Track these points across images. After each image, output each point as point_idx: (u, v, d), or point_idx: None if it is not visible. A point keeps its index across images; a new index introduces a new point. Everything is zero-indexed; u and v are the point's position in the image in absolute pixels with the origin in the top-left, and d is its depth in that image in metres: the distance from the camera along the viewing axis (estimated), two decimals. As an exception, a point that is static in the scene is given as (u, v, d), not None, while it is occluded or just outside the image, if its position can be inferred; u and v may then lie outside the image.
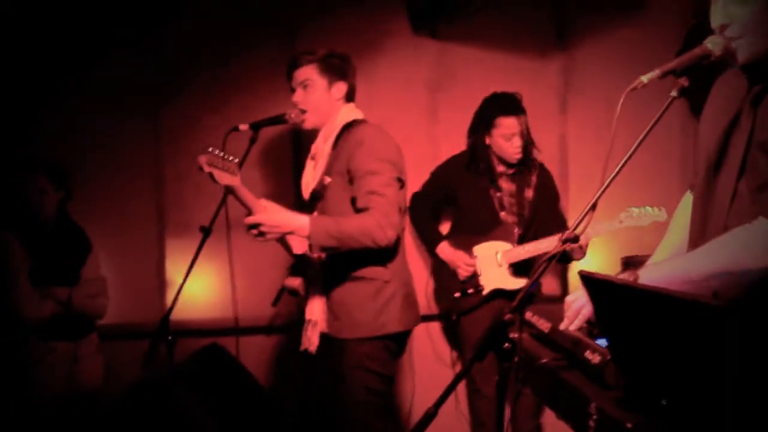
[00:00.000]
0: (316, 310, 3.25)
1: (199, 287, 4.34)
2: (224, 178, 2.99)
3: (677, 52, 4.41)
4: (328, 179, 3.19)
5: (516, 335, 1.89)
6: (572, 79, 4.75)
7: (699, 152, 2.11)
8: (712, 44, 1.89)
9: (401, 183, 3.17)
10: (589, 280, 1.66)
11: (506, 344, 1.84)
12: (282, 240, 3.24)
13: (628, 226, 3.94)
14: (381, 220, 2.99)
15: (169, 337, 3.16)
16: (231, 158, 2.99)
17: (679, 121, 4.45)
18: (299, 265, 3.38)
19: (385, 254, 3.14)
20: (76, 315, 3.91)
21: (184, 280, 3.16)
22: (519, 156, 4.13)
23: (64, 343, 3.88)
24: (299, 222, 3.01)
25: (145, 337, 4.12)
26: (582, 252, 3.97)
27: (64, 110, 4.36)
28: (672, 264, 1.95)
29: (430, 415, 1.80)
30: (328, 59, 3.28)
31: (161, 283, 4.50)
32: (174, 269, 4.46)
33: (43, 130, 4.36)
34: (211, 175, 2.98)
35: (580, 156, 4.72)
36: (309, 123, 3.29)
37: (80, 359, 3.94)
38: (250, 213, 3.01)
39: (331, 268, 3.20)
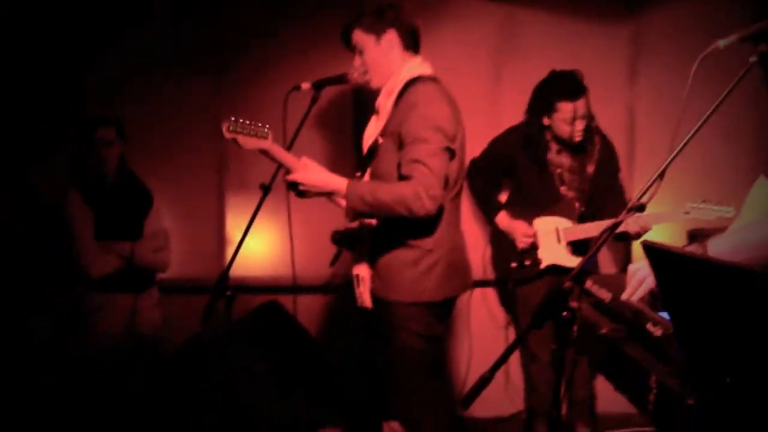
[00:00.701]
0: (362, 267, 3.26)
1: (258, 244, 4.39)
2: (250, 143, 2.98)
3: (755, 18, 4.29)
4: (381, 140, 3.15)
5: (575, 304, 1.85)
6: (643, 46, 4.61)
7: None
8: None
9: (451, 153, 3.07)
10: (652, 250, 1.61)
11: (565, 313, 1.81)
12: (329, 197, 3.21)
13: (694, 218, 3.82)
14: (420, 190, 2.92)
15: (228, 293, 3.18)
16: (259, 124, 2.98)
17: (754, 93, 4.29)
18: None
19: (428, 223, 3.09)
20: (138, 268, 3.98)
21: (243, 237, 3.17)
22: (580, 138, 4.01)
23: (124, 294, 3.96)
24: (337, 183, 3.01)
25: (204, 293, 4.21)
26: (639, 236, 3.86)
27: (124, 66, 4.42)
28: (741, 233, 1.88)
29: (486, 379, 1.79)
30: (370, 15, 3.18)
31: (221, 240, 4.56)
32: (234, 226, 4.51)
33: (104, 86, 4.43)
34: (234, 140, 2.98)
35: (649, 125, 4.58)
36: (374, 82, 3.23)
37: (139, 311, 4.01)
38: (289, 171, 3.02)
39: (378, 230, 3.18)
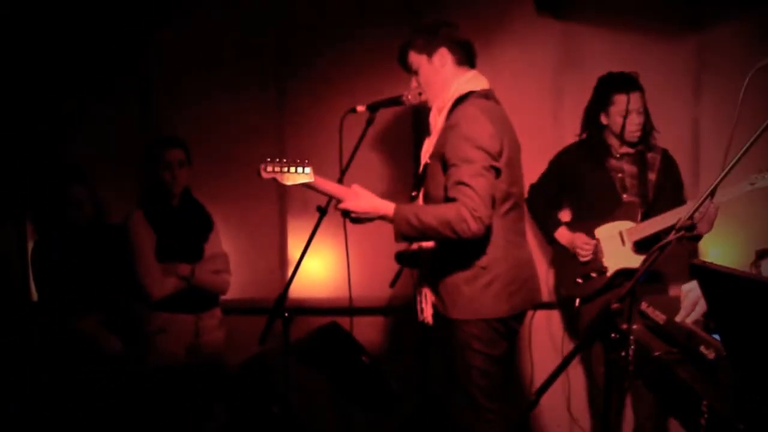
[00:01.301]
0: (423, 283, 3.31)
1: (316, 266, 4.43)
2: (289, 179, 3.08)
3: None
4: (429, 161, 3.19)
5: (625, 326, 1.82)
6: (707, 60, 4.50)
7: None
8: None
9: (496, 171, 3.07)
10: (701, 270, 1.57)
11: (613, 334, 1.78)
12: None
13: (761, 187, 3.67)
14: (464, 212, 2.93)
15: (286, 314, 3.22)
16: (297, 160, 3.10)
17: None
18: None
19: (481, 241, 3.09)
20: (198, 290, 4.05)
21: (300, 259, 3.22)
22: (638, 133, 3.99)
23: (186, 315, 4.03)
24: (386, 208, 3.07)
25: (265, 313, 4.29)
26: (709, 224, 3.70)
27: (186, 85, 4.53)
28: None
29: (532, 402, 1.76)
30: (419, 33, 3.25)
31: (282, 261, 4.61)
32: (295, 247, 4.56)
33: (166, 106, 4.55)
34: (274, 180, 3.10)
35: (713, 140, 4.46)
36: (431, 101, 3.27)
37: (202, 332, 4.07)
38: (339, 201, 3.10)
39: (438, 250, 3.23)
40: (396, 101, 3.30)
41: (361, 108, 3.26)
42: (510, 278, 3.18)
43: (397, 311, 4.49)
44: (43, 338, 4.08)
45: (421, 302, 3.34)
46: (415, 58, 3.24)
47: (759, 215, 3.77)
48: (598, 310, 3.83)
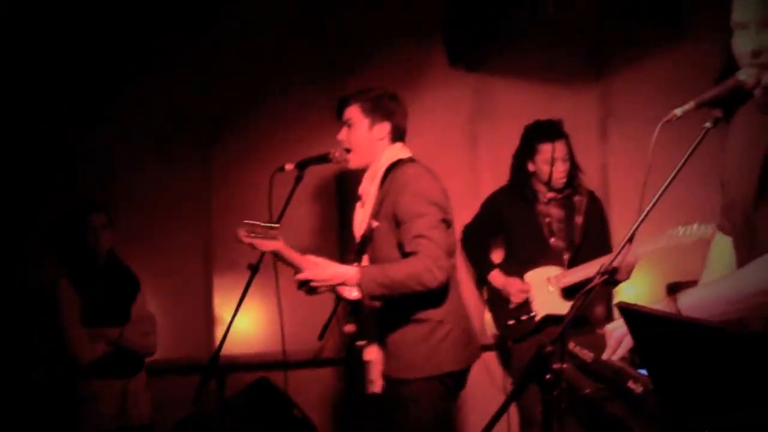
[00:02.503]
0: (373, 350, 3.29)
1: (246, 322, 4.42)
2: (265, 245, 3.11)
3: (716, 80, 4.46)
4: (375, 223, 3.23)
5: (558, 366, 1.91)
6: (611, 106, 4.77)
7: (729, 190, 2.09)
8: (745, 75, 1.91)
9: (447, 224, 3.18)
10: (627, 311, 1.68)
11: (548, 375, 1.87)
12: (333, 289, 3.25)
13: (677, 241, 3.91)
14: (429, 263, 3.00)
15: (220, 372, 3.21)
16: (269, 224, 3.11)
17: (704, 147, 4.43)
18: (354, 309, 3.41)
19: (437, 295, 3.15)
20: (126, 353, 3.99)
21: (234, 316, 3.22)
22: (564, 180, 4.18)
23: (114, 380, 3.95)
24: (348, 273, 3.09)
25: (193, 373, 4.22)
26: (627, 273, 3.91)
27: (111, 148, 4.49)
28: (708, 288, 1.95)
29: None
30: (372, 100, 3.32)
31: (208, 320, 4.59)
32: (221, 306, 4.54)
33: (88, 168, 4.48)
34: (251, 245, 3.11)
35: (622, 184, 4.72)
36: (353, 163, 3.34)
37: (130, 396, 3.99)
38: (298, 270, 3.09)
39: (384, 309, 3.21)
40: (324, 159, 3.37)
41: (289, 166, 3.32)
42: (462, 329, 3.26)
43: (330, 363, 4.51)
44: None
45: (370, 373, 3.30)
46: (357, 116, 3.32)
47: (667, 252, 3.97)
48: (530, 353, 4.05)
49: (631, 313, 1.69)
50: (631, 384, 1.89)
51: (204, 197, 4.59)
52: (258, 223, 3.08)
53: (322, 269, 3.09)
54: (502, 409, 1.90)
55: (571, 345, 2.31)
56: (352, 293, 3.24)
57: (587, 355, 2.24)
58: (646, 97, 4.62)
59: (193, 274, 4.59)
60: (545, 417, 1.87)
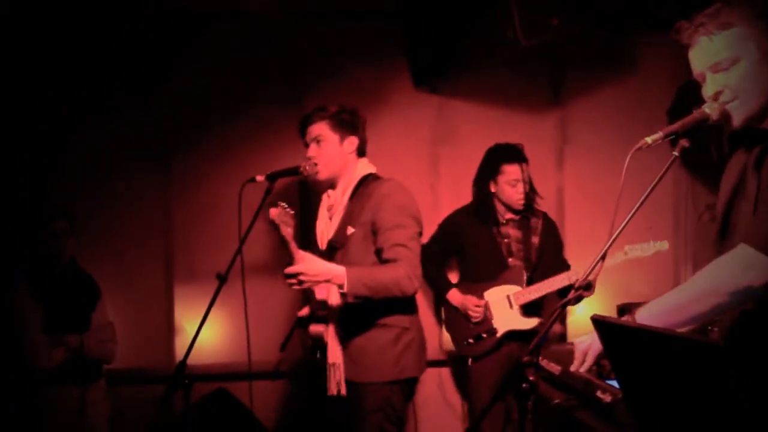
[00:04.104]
0: (336, 354, 3.36)
1: (210, 332, 4.44)
2: (286, 233, 3.13)
3: (668, 110, 4.69)
4: (351, 230, 3.33)
5: (533, 377, 2.01)
6: (568, 132, 4.95)
7: (717, 216, 2.23)
8: (710, 108, 2.06)
9: (420, 238, 3.34)
10: (600, 324, 1.79)
11: (524, 384, 1.97)
12: (309, 288, 3.33)
13: (634, 257, 4.08)
14: (409, 270, 3.15)
15: (185, 382, 3.22)
16: (290, 211, 3.12)
17: (671, 172, 4.64)
18: (318, 310, 3.48)
19: (407, 303, 3.29)
20: (86, 361, 3.97)
21: (201, 325, 3.23)
22: (523, 201, 4.31)
23: (73, 388, 3.94)
24: (336, 272, 3.15)
25: (153, 382, 4.25)
26: (591, 290, 4.05)
27: (76, 157, 4.51)
28: (663, 298, 2.07)
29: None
30: (339, 115, 3.44)
31: (169, 329, 4.60)
32: (182, 315, 4.56)
33: (51, 176, 4.50)
34: (278, 227, 3.11)
35: (577, 207, 4.90)
36: (323, 174, 3.42)
37: (89, 404, 3.98)
38: (290, 263, 3.14)
39: (350, 314, 3.30)
40: (294, 171, 3.43)
41: (260, 178, 3.36)
42: (422, 338, 3.40)
43: (293, 374, 4.57)
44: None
45: (332, 375, 3.36)
46: (325, 132, 3.41)
47: (615, 273, 4.14)
48: (490, 371, 4.18)
49: (603, 325, 1.80)
50: (599, 394, 2.01)
51: (166, 208, 4.61)
52: (287, 208, 3.11)
53: (314, 264, 3.15)
54: (480, 419, 1.99)
55: (540, 358, 2.42)
56: (322, 293, 3.36)
57: (555, 367, 2.36)
58: (600, 125, 4.84)
59: (154, 283, 4.61)
60: (521, 425, 1.97)
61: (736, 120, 2.05)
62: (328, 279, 3.16)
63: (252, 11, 4.48)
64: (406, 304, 3.30)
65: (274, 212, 3.08)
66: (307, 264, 3.13)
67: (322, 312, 3.41)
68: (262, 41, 4.63)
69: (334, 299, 3.29)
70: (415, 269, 3.18)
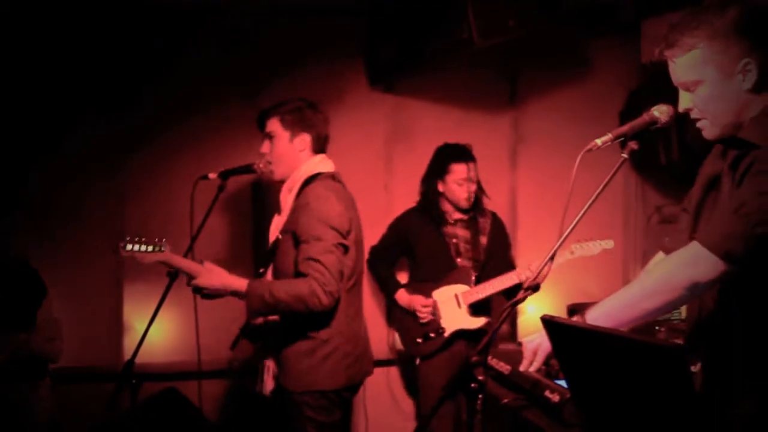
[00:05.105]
0: (268, 356, 3.37)
1: (159, 331, 4.37)
2: (146, 258, 3.17)
3: (621, 112, 4.76)
4: (280, 236, 3.28)
5: (482, 377, 2.02)
6: (522, 132, 5.00)
7: (689, 209, 2.25)
8: (658, 112, 2.09)
9: (344, 248, 3.22)
10: (550, 324, 1.81)
11: (473, 384, 1.98)
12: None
13: (580, 255, 4.13)
14: (315, 287, 3.05)
15: (134, 381, 3.19)
16: (156, 239, 3.18)
17: (621, 174, 4.71)
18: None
19: (324, 315, 3.20)
20: (31, 359, 3.91)
21: (150, 323, 3.21)
22: (470, 201, 4.33)
23: (17, 386, 3.88)
24: (237, 284, 3.15)
25: (100, 380, 4.19)
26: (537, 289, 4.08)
27: (25, 153, 4.40)
28: (614, 296, 2.07)
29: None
30: (292, 112, 3.35)
31: (118, 327, 4.53)
32: (131, 313, 4.50)
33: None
34: (132, 258, 3.17)
35: (530, 206, 4.95)
36: (277, 174, 3.37)
37: (33, 402, 3.93)
38: (191, 278, 3.15)
39: (281, 321, 3.28)
40: (247, 169, 3.40)
41: (213, 175, 3.34)
42: (347, 351, 3.29)
43: (242, 374, 4.51)
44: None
45: (262, 374, 3.37)
46: (277, 128, 3.34)
47: (566, 273, 4.19)
48: (439, 369, 4.20)
49: (552, 325, 1.82)
50: (547, 393, 2.02)
51: (118, 205, 4.54)
52: (138, 239, 3.15)
53: (214, 278, 3.15)
54: (429, 417, 1.99)
55: (489, 358, 2.43)
56: None
57: (504, 367, 2.37)
58: (554, 125, 4.88)
59: (103, 280, 4.53)
60: (469, 422, 1.98)
61: (709, 135, 2.05)
62: (230, 292, 3.17)
63: (206, 7, 4.43)
64: (325, 318, 3.22)
65: (119, 248, 3.15)
66: (207, 277, 3.15)
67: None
68: (217, 38, 4.57)
69: (250, 315, 3.28)
70: (326, 285, 3.06)
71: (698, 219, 2.14)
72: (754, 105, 1.98)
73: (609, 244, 4.15)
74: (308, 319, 3.19)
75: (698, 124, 2.05)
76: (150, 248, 3.14)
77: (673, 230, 2.32)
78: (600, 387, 1.73)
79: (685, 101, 2.03)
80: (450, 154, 4.37)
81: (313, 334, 3.23)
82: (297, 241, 3.18)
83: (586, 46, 5.00)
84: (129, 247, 3.14)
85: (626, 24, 4.76)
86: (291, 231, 3.22)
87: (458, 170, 4.32)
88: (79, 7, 4.32)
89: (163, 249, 3.15)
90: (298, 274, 3.13)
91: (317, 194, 3.21)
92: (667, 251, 2.34)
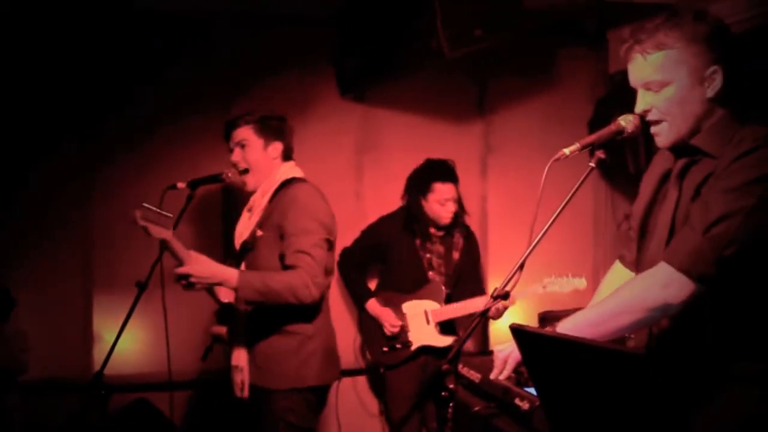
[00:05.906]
0: (241, 357, 3.34)
1: (129, 342, 4.34)
2: (157, 232, 3.10)
3: (589, 121, 4.82)
4: (260, 232, 3.31)
5: (452, 385, 2.03)
6: (491, 142, 5.04)
7: (634, 219, 2.29)
8: (625, 121, 2.12)
9: (330, 244, 3.30)
10: (519, 332, 1.82)
11: (443, 393, 1.98)
12: (210, 289, 3.33)
13: (551, 291, 4.15)
14: (307, 279, 3.10)
15: (102, 392, 3.16)
16: (165, 213, 3.10)
17: (590, 183, 4.77)
18: (225, 312, 3.46)
19: (310, 310, 3.25)
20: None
21: (119, 334, 3.17)
22: (449, 220, 4.34)
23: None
24: (227, 274, 3.14)
25: (69, 392, 4.15)
26: (499, 314, 4.10)
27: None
28: (584, 312, 2.11)
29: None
30: (265, 120, 3.42)
31: (87, 338, 4.48)
32: (100, 323, 4.45)
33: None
34: (145, 228, 3.08)
35: (499, 215, 4.98)
36: (250, 184, 3.41)
37: (1, 415, 3.88)
38: (180, 264, 3.11)
39: (256, 319, 3.30)
40: (216, 179, 3.40)
41: (181, 185, 3.32)
42: (330, 347, 3.37)
43: (214, 384, 4.48)
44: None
45: (236, 378, 3.35)
46: (249, 136, 3.39)
47: (537, 282, 4.22)
48: (405, 379, 4.20)
49: (521, 333, 1.83)
50: (517, 401, 2.04)
51: (86, 215, 4.49)
52: (154, 208, 3.07)
53: (204, 266, 3.13)
54: (398, 427, 1.99)
55: (460, 366, 2.45)
56: (228, 295, 3.35)
57: (475, 375, 2.39)
58: (523, 135, 4.94)
59: (72, 290, 4.48)
60: (440, 430, 1.99)
61: (664, 141, 2.07)
62: (219, 282, 3.15)
63: (179, 17, 4.42)
64: (310, 312, 3.27)
65: (137, 213, 3.07)
66: (198, 265, 3.12)
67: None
68: (191, 47, 4.56)
69: (239, 304, 3.28)
70: (315, 277, 3.13)
71: (645, 228, 2.17)
72: (712, 115, 2.02)
73: (582, 283, 4.12)
74: (291, 315, 3.22)
75: (653, 129, 2.07)
76: (161, 223, 3.07)
77: (627, 238, 2.36)
78: (568, 395, 1.75)
79: (644, 102, 2.05)
80: (434, 173, 4.34)
81: (297, 330, 3.26)
82: (281, 236, 3.23)
83: (555, 56, 5.07)
84: (145, 216, 3.06)
85: (594, 34, 4.83)
86: (276, 226, 3.25)
87: (442, 190, 4.31)
88: (54, 16, 4.29)
89: (170, 227, 3.09)
90: (286, 268, 3.16)
91: (305, 192, 3.30)
92: (625, 261, 2.38)
